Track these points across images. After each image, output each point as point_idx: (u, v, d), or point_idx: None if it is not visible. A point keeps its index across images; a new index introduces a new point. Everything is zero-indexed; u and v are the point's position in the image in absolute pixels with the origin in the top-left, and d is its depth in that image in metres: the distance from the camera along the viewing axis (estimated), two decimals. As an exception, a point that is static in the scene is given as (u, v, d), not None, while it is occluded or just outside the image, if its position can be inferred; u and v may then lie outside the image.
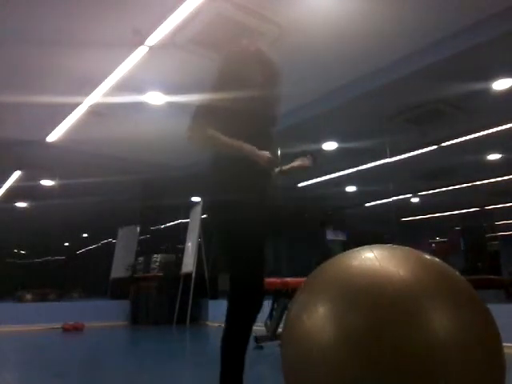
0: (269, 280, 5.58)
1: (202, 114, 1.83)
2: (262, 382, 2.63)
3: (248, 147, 1.69)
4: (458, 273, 1.17)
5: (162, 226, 8.46)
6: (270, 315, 4.08)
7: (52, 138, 6.13)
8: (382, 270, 1.10)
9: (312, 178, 7.86)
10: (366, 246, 1.25)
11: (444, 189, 8.56)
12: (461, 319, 1.03)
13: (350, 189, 8.94)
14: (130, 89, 4.83)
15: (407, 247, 1.25)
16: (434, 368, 0.96)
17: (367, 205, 10.11)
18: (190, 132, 1.77)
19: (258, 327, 4.36)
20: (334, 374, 1.02)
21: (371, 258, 1.17)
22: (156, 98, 5.12)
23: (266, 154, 1.69)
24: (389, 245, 1.25)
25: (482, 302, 1.12)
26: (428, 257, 1.20)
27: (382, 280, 1.07)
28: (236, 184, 1.72)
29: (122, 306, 6.90)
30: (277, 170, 1.97)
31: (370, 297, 1.05)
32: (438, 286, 1.08)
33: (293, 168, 2.02)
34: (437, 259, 1.19)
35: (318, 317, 1.10)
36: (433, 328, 0.99)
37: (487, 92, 4.68)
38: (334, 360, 1.02)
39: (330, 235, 10.96)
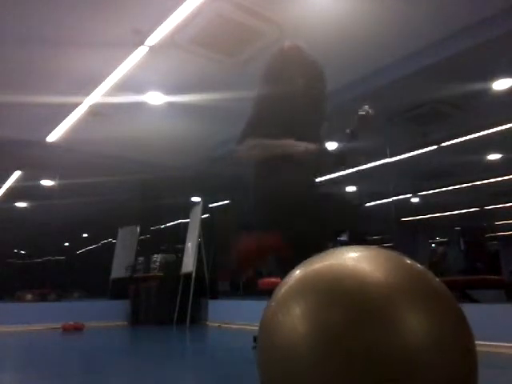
0: (269, 280, 5.59)
1: (246, 131, 1.95)
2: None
3: (284, 142, 1.81)
4: (435, 276, 1.18)
5: (162, 226, 8.45)
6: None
7: (52, 138, 6.13)
8: (359, 270, 1.12)
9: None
10: (344, 247, 1.28)
11: (444, 189, 8.56)
12: (435, 321, 1.05)
13: (350, 189, 8.94)
14: (130, 89, 4.83)
15: (386, 249, 1.27)
16: (407, 369, 0.98)
17: (367, 205, 10.11)
18: (238, 151, 1.95)
19: (258, 327, 4.35)
20: (308, 372, 1.03)
21: (349, 258, 1.19)
22: (156, 98, 5.12)
23: (303, 144, 1.78)
24: (368, 246, 1.27)
25: (457, 304, 1.14)
26: (407, 259, 1.21)
27: (359, 280, 1.09)
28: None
29: (122, 306, 6.90)
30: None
31: (345, 297, 1.07)
32: (414, 288, 1.10)
33: None
34: (415, 262, 1.21)
35: (292, 315, 1.11)
36: (407, 329, 1.01)
37: (487, 92, 4.68)
38: (307, 359, 1.04)
39: (330, 235, 10.95)
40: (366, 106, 1.97)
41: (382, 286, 1.07)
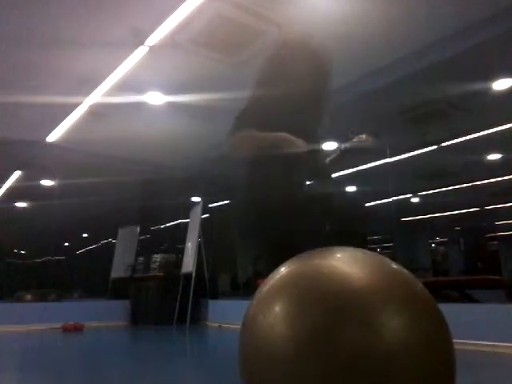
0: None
1: (238, 122, 1.81)
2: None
3: (276, 134, 1.68)
4: (417, 279, 1.20)
5: (162, 226, 8.45)
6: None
7: (52, 138, 6.13)
8: (341, 271, 1.13)
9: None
10: (327, 248, 1.28)
11: (444, 189, 8.56)
12: (415, 323, 1.06)
13: (350, 189, 8.94)
14: (130, 89, 4.83)
15: (370, 251, 1.28)
16: (386, 369, 0.98)
17: (367, 205, 10.11)
18: (228, 144, 1.82)
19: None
20: (288, 373, 1.04)
21: (331, 259, 1.20)
22: (156, 98, 5.12)
23: (297, 139, 1.67)
24: (351, 247, 1.28)
25: (437, 306, 1.15)
26: (390, 262, 1.23)
27: (340, 281, 1.10)
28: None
29: (122, 306, 6.90)
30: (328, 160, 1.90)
31: (326, 298, 1.07)
32: (395, 290, 1.11)
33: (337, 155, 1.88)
34: (399, 265, 1.23)
35: (273, 316, 1.11)
36: (387, 330, 1.02)
37: (487, 92, 4.68)
38: (288, 360, 1.04)
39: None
40: (364, 136, 1.82)
41: (363, 288, 1.08)
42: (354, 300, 1.05)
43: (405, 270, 1.21)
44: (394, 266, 1.21)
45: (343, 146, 1.90)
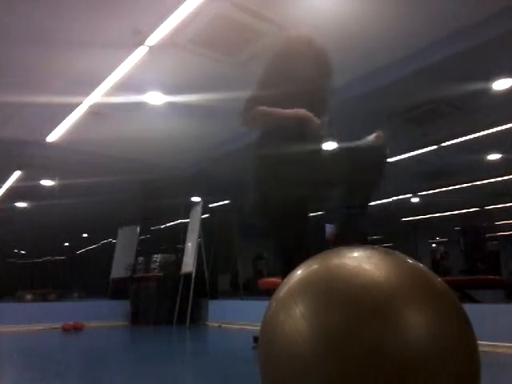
0: (269, 280, 5.58)
1: (251, 102, 1.84)
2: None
3: (296, 111, 1.71)
4: (438, 277, 1.18)
5: (162, 226, 8.45)
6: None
7: (52, 137, 6.12)
8: (361, 270, 1.12)
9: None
10: (345, 247, 1.28)
11: (444, 189, 8.56)
12: (437, 321, 1.05)
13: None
14: (130, 89, 4.82)
15: (389, 249, 1.27)
16: (408, 369, 0.97)
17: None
18: (243, 117, 1.82)
19: (258, 327, 4.35)
20: (309, 372, 1.03)
21: (351, 258, 1.19)
22: (156, 98, 5.12)
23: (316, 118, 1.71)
24: (370, 246, 1.27)
25: (460, 304, 1.14)
26: (408, 259, 1.22)
27: (361, 281, 1.09)
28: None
29: (122, 306, 6.90)
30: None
31: (346, 297, 1.07)
32: (415, 287, 1.10)
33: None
34: (418, 263, 1.21)
35: (295, 316, 1.11)
36: (409, 329, 1.01)
37: (487, 92, 4.68)
38: (308, 359, 1.04)
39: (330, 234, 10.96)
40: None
41: (382, 286, 1.07)
42: (377, 299, 1.04)
43: (427, 269, 1.19)
44: (414, 264, 1.19)
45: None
